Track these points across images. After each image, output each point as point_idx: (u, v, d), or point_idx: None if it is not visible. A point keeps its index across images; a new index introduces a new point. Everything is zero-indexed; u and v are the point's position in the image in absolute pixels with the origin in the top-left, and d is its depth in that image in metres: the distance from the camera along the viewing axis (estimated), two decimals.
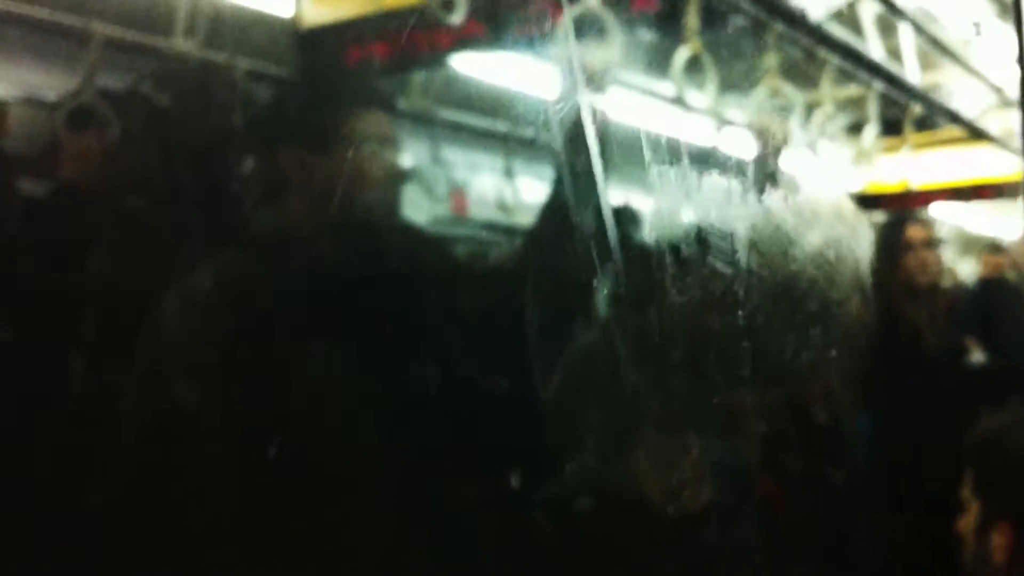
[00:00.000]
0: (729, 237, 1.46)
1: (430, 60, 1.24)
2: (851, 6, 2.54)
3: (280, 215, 1.02)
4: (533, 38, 1.25)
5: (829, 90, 2.27)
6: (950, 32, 3.13)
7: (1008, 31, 2.36)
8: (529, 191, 1.26)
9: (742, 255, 1.45)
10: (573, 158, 1.29)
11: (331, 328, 1.02)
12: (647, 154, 1.37)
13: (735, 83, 1.84)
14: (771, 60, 1.86)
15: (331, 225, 1.05)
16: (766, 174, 1.57)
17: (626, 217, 1.36)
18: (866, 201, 2.70)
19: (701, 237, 1.45)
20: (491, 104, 1.25)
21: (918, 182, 2.89)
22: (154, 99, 0.94)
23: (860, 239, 1.75)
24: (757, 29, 1.83)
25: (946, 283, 2.85)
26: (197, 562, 0.91)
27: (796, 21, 1.80)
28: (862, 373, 1.89)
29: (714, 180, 1.49)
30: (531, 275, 1.23)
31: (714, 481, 1.44)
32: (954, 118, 3.04)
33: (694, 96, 1.79)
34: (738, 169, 1.54)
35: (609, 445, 1.32)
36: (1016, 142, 2.36)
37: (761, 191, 1.52)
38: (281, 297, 0.99)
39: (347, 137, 1.11)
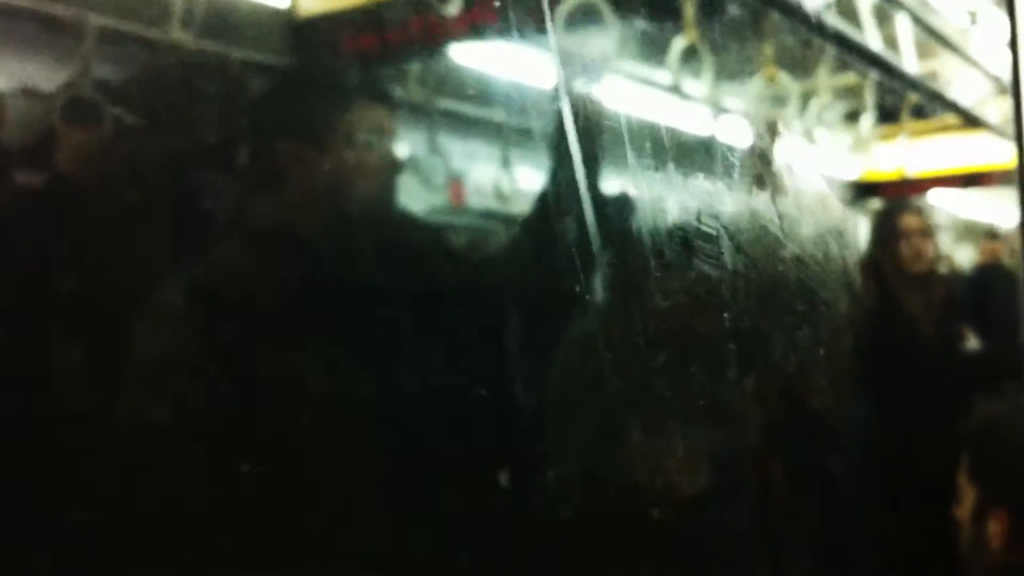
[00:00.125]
0: (725, 227, 1.47)
1: (427, 50, 1.24)
2: None
3: (276, 207, 1.02)
4: (530, 27, 1.25)
5: (826, 78, 2.27)
6: (947, 21, 3.14)
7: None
8: (525, 180, 1.26)
9: (737, 246, 1.45)
10: (569, 147, 1.29)
11: (331, 321, 1.02)
12: (644, 142, 1.38)
13: (732, 72, 1.84)
14: (768, 49, 1.86)
15: (328, 217, 1.05)
16: (762, 163, 1.58)
17: (622, 204, 1.36)
18: (863, 189, 2.70)
19: (695, 226, 1.45)
20: (487, 94, 1.25)
21: (915, 170, 2.89)
22: (150, 90, 0.94)
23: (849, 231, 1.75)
24: (754, 18, 1.83)
25: (943, 270, 2.86)
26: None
27: (792, 10, 1.80)
28: (858, 360, 1.89)
29: (710, 169, 1.49)
30: (526, 263, 1.23)
31: (710, 469, 1.44)
32: (951, 106, 3.04)
33: (691, 85, 1.79)
34: (735, 157, 1.54)
35: (607, 433, 1.32)
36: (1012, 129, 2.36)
37: (757, 180, 1.53)
38: (278, 290, 0.99)
39: (344, 128, 1.11)
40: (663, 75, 1.76)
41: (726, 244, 1.46)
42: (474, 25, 1.23)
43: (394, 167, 1.19)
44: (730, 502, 1.53)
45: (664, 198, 1.40)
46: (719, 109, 1.83)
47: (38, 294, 0.84)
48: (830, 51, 2.21)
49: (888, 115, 2.77)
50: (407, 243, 1.16)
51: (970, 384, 2.56)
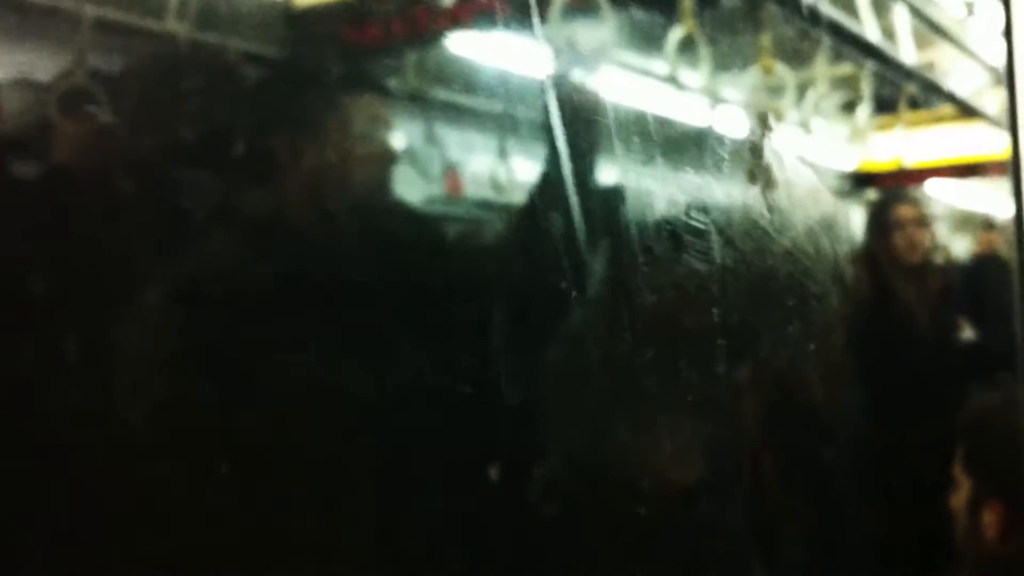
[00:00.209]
0: (716, 220, 1.47)
1: (425, 40, 1.24)
2: None
3: (272, 199, 1.02)
4: (528, 18, 1.25)
5: (823, 69, 2.27)
6: (944, 11, 3.14)
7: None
8: (520, 171, 1.26)
9: (728, 239, 1.46)
10: (561, 138, 1.29)
11: (328, 313, 1.03)
12: (637, 133, 1.38)
13: (729, 62, 1.84)
14: (765, 40, 1.86)
15: (324, 209, 1.05)
16: (753, 157, 1.58)
17: (618, 194, 1.36)
18: (860, 179, 2.70)
19: (684, 220, 1.45)
20: (485, 84, 1.25)
21: (912, 160, 2.89)
22: (146, 81, 0.94)
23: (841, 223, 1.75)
24: (751, 8, 1.83)
25: (939, 261, 2.86)
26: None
27: (789, 1, 1.80)
28: (853, 351, 1.90)
29: (703, 161, 1.49)
30: (524, 253, 1.23)
31: (702, 462, 1.44)
32: (948, 97, 3.04)
33: (688, 75, 1.79)
34: (726, 150, 1.54)
35: (598, 428, 1.32)
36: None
37: (749, 175, 1.53)
38: (275, 281, 0.99)
39: (342, 119, 1.11)
40: (659, 65, 1.76)
41: (716, 237, 1.46)
42: (471, 15, 1.23)
43: (390, 159, 1.19)
44: (723, 495, 1.53)
45: (655, 190, 1.40)
46: (715, 100, 1.83)
47: (31, 287, 0.84)
48: (827, 41, 2.21)
49: (885, 105, 2.77)
50: (401, 234, 1.16)
51: (965, 374, 2.57)
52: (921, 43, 3.00)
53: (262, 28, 1.07)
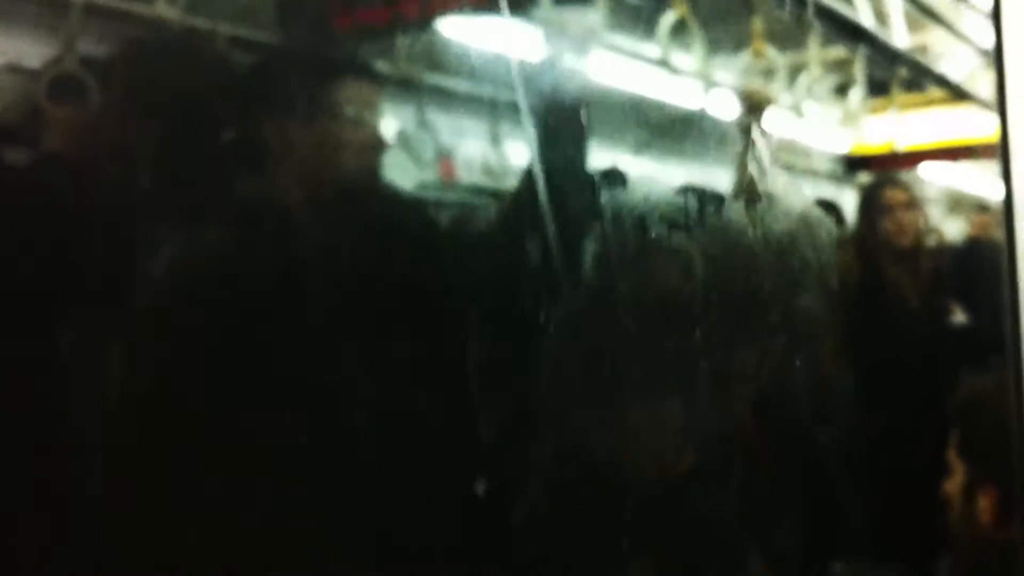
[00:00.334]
0: (708, 202, 1.46)
1: (416, 25, 1.23)
2: None
3: (263, 185, 1.01)
4: (520, 2, 1.25)
5: (816, 52, 2.26)
6: None
7: None
8: (514, 155, 1.26)
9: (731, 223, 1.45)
10: (557, 121, 1.29)
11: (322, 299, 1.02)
12: (631, 118, 1.37)
13: (722, 46, 1.84)
14: (756, 24, 1.86)
15: (315, 195, 1.04)
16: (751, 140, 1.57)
17: (613, 179, 1.36)
18: (853, 163, 2.70)
19: (688, 199, 1.44)
20: (476, 69, 1.24)
21: (905, 143, 2.89)
22: (136, 66, 0.93)
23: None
24: None
25: (931, 244, 2.85)
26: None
27: None
28: (845, 334, 1.89)
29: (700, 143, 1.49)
30: (517, 238, 1.22)
31: (697, 445, 1.44)
32: (941, 81, 3.03)
33: (680, 59, 1.78)
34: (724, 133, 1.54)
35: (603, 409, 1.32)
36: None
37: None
38: (267, 268, 0.99)
39: (333, 105, 1.11)
40: (650, 49, 1.75)
41: (706, 221, 1.46)
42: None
43: (382, 144, 1.18)
44: (717, 482, 1.53)
45: (646, 174, 1.40)
46: (708, 84, 1.83)
47: (25, 276, 0.83)
48: (819, 25, 2.20)
49: (878, 88, 2.76)
50: (396, 220, 1.16)
51: (958, 358, 2.57)
52: (913, 27, 3.00)
53: (252, 13, 1.07)
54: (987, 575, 1.85)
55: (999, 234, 2.38)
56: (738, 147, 1.58)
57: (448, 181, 1.27)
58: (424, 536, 1.12)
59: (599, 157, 1.34)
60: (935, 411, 2.13)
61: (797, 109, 2.27)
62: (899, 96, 2.83)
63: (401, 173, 1.21)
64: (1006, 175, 2.32)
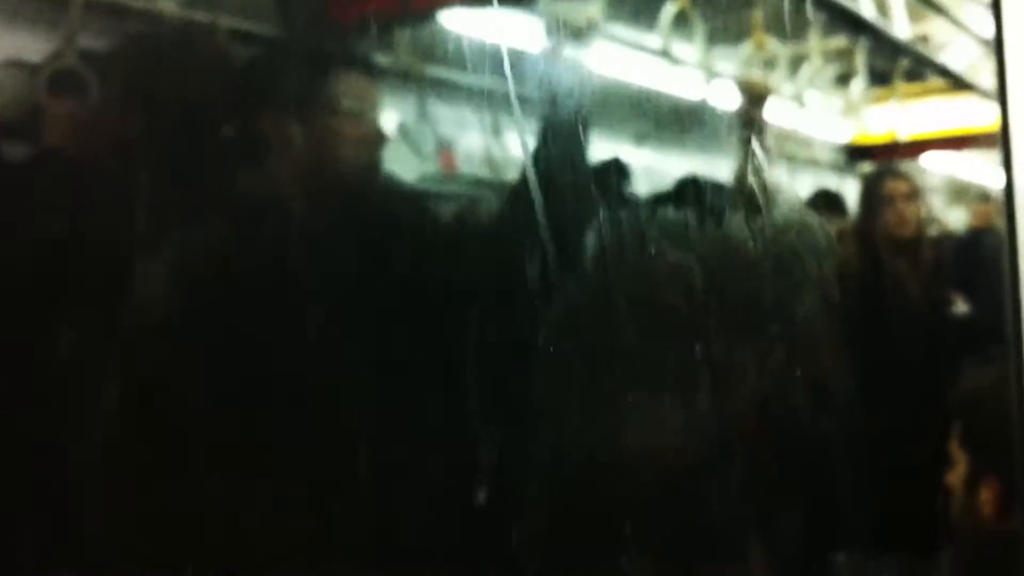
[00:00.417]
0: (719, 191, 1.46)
1: (417, 17, 1.23)
2: None
3: (264, 179, 1.01)
4: None
5: (817, 43, 2.26)
6: None
7: None
8: (514, 148, 1.25)
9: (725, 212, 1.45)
10: (558, 112, 1.29)
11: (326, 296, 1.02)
12: (634, 109, 1.37)
13: (723, 37, 1.83)
14: (757, 15, 1.85)
15: (318, 189, 1.04)
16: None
17: (615, 170, 1.36)
18: (855, 152, 2.70)
19: (690, 191, 1.44)
20: (476, 60, 1.24)
21: (907, 133, 2.88)
22: (136, 61, 0.93)
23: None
24: None
25: (932, 234, 2.86)
26: None
27: None
28: (846, 326, 1.90)
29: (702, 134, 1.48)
30: (518, 230, 1.22)
31: (697, 439, 1.44)
32: (942, 71, 3.03)
33: (681, 50, 1.78)
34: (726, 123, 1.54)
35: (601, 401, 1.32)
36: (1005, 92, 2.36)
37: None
38: (266, 263, 0.99)
39: (334, 98, 1.10)
40: (652, 40, 1.75)
41: (708, 214, 1.46)
42: None
43: (382, 138, 1.18)
44: (718, 475, 1.53)
45: (649, 166, 1.40)
46: (710, 75, 1.82)
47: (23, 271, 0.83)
48: (820, 15, 2.20)
49: (881, 77, 2.76)
50: (395, 213, 1.15)
51: (960, 349, 2.57)
52: (914, 16, 2.99)
53: (253, 6, 1.06)
54: (989, 567, 1.85)
55: (1000, 223, 2.39)
56: (739, 159, 1.59)
57: (449, 173, 1.27)
58: (420, 535, 1.12)
59: (600, 149, 1.34)
60: (937, 403, 2.13)
61: (798, 99, 2.27)
62: (901, 86, 2.82)
63: (402, 165, 1.21)
64: (1007, 164, 2.33)
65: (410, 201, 1.20)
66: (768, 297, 1.60)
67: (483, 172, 1.28)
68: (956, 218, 3.35)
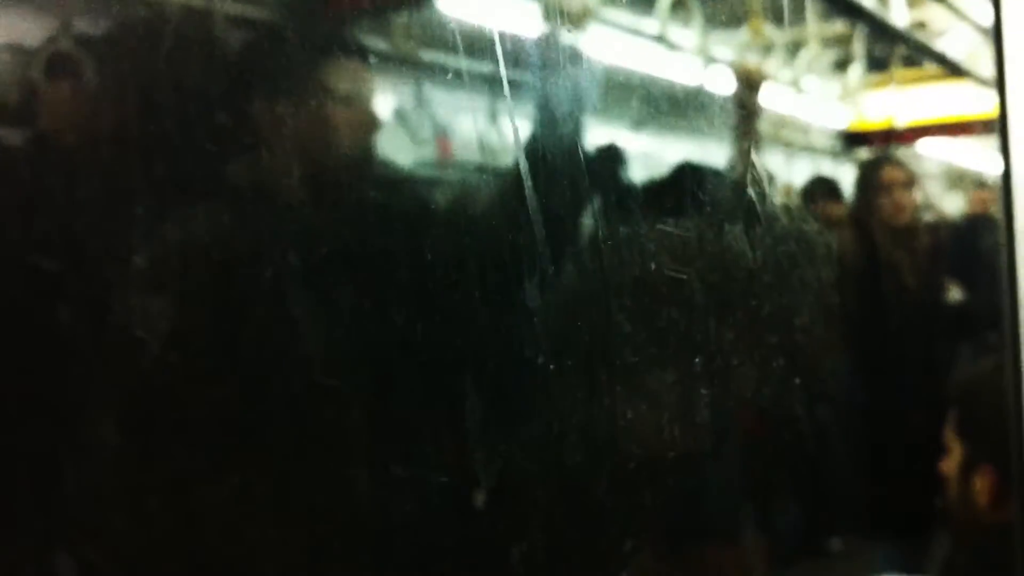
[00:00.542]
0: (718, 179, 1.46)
1: (413, 2, 1.22)
2: None
3: (259, 165, 1.01)
4: None
5: (815, 28, 2.26)
6: None
7: None
8: (510, 133, 1.25)
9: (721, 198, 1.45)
10: (553, 98, 1.28)
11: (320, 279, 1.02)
12: (631, 95, 1.37)
13: (719, 22, 1.83)
14: (754, 1, 1.85)
15: (311, 176, 1.04)
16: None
17: (612, 156, 1.36)
18: (852, 139, 2.70)
19: (688, 178, 1.44)
20: (475, 45, 1.23)
21: (905, 119, 2.88)
22: (131, 46, 0.92)
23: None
24: None
25: (930, 221, 2.86)
26: None
27: None
28: (842, 314, 1.90)
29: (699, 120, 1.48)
30: (516, 216, 1.22)
31: (693, 424, 1.44)
32: (939, 58, 3.03)
33: (678, 35, 1.78)
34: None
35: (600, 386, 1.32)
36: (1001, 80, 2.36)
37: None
38: (260, 249, 0.99)
39: (330, 83, 1.10)
40: (649, 25, 1.75)
41: (705, 198, 1.45)
42: None
43: (377, 123, 1.18)
44: (713, 461, 1.53)
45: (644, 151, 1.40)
46: (707, 61, 1.82)
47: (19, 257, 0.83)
48: (818, 1, 2.20)
49: (879, 63, 2.76)
50: (390, 201, 1.15)
51: (956, 337, 2.57)
52: (912, 1, 2.99)
53: None
54: (983, 555, 1.85)
55: (997, 211, 2.39)
56: (738, 169, 1.59)
57: (445, 159, 1.27)
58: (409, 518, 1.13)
59: (596, 134, 1.34)
60: (933, 391, 2.13)
61: (796, 85, 2.26)
62: (898, 72, 2.82)
63: (398, 151, 1.21)
64: (1005, 151, 2.33)
65: (406, 187, 1.20)
66: (764, 289, 1.60)
67: (479, 158, 1.28)
68: (953, 205, 3.35)
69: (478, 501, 1.18)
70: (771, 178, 1.66)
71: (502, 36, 1.21)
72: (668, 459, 1.43)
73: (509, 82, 1.23)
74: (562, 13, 1.30)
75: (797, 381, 1.75)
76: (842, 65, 2.60)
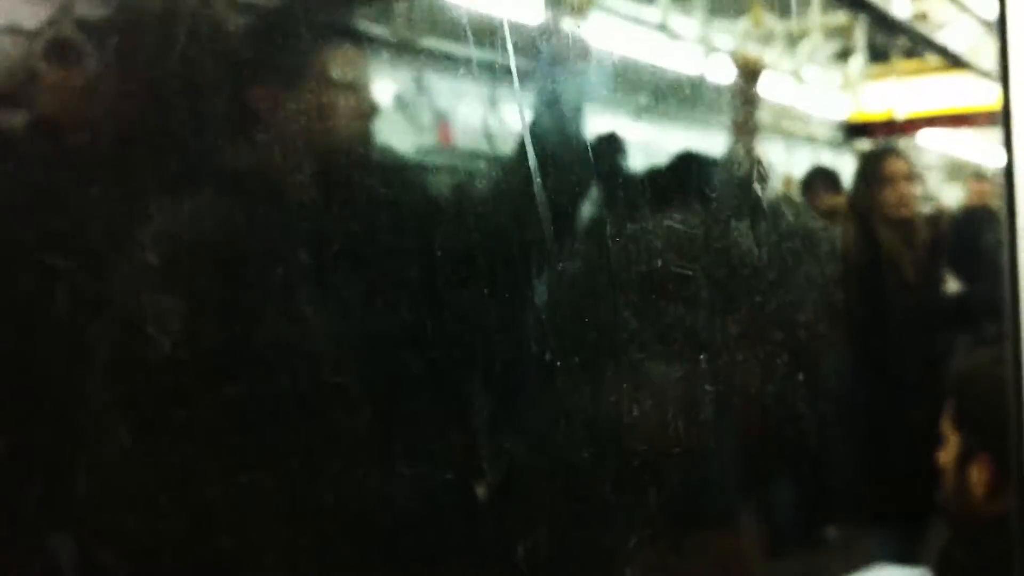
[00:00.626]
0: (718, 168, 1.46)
1: None
2: None
3: (259, 151, 1.01)
4: None
5: (816, 19, 2.26)
6: None
7: None
8: (512, 120, 1.25)
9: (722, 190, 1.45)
10: (555, 85, 1.28)
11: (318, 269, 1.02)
12: (631, 83, 1.37)
13: (722, 12, 1.83)
14: None
15: (308, 162, 1.04)
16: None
17: (612, 144, 1.35)
18: (853, 130, 2.70)
19: (692, 171, 1.44)
20: (476, 32, 1.23)
21: (905, 110, 2.88)
22: (126, 29, 0.92)
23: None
24: None
25: (930, 213, 2.86)
26: None
27: None
28: (843, 306, 1.90)
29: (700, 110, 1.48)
30: (519, 204, 1.22)
31: (691, 416, 1.44)
32: (941, 50, 3.03)
33: (680, 24, 1.78)
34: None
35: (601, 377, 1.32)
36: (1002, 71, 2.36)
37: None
38: (261, 235, 0.99)
39: (331, 69, 1.10)
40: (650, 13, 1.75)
41: (706, 190, 1.45)
42: None
43: (378, 110, 1.18)
44: (712, 452, 1.54)
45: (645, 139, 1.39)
46: (709, 51, 1.82)
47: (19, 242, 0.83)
48: None
49: (880, 54, 2.76)
50: (390, 187, 1.15)
51: (955, 328, 2.57)
52: None
53: None
54: (980, 545, 1.86)
55: (999, 203, 2.39)
56: (743, 169, 1.59)
57: (446, 146, 1.27)
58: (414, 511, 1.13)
59: (597, 123, 1.34)
60: (931, 381, 2.13)
61: (797, 76, 2.26)
62: (899, 63, 2.82)
63: (399, 138, 1.21)
64: (1008, 143, 2.32)
65: (407, 173, 1.20)
66: (764, 277, 1.60)
67: (480, 145, 1.28)
68: (954, 197, 3.35)
69: (484, 497, 1.18)
70: (774, 171, 1.67)
71: (511, 25, 1.21)
72: (673, 454, 1.43)
73: (517, 71, 1.23)
74: (564, 1, 1.30)
75: (799, 375, 1.75)
76: (843, 56, 2.60)
